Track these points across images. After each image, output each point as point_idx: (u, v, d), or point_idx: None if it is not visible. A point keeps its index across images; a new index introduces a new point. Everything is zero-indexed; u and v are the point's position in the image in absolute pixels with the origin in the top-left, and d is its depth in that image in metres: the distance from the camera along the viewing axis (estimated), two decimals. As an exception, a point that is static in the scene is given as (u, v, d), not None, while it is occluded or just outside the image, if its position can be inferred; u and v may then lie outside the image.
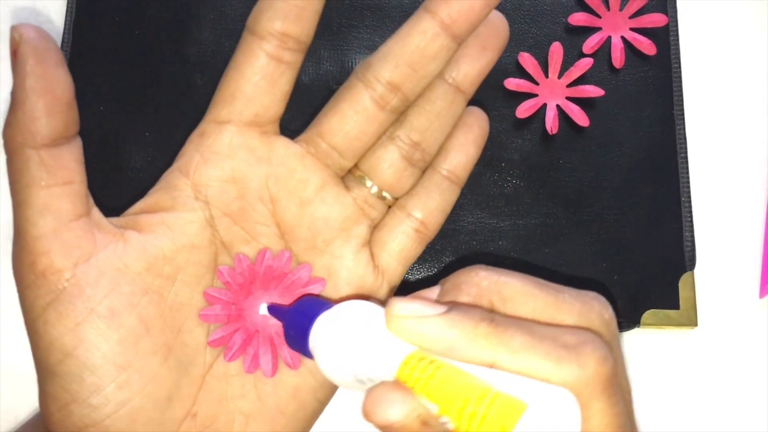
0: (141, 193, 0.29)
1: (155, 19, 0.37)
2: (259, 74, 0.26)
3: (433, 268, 0.35)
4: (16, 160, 0.23)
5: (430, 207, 0.29)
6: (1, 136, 0.24)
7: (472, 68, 0.28)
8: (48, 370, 0.24)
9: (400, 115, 0.28)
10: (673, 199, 0.36)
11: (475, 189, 0.36)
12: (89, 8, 0.37)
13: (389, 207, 0.29)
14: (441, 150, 0.30)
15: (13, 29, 0.23)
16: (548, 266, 0.35)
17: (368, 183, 0.28)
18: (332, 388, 0.28)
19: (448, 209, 0.30)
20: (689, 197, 0.36)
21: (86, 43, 0.37)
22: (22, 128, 0.23)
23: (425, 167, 0.29)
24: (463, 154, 0.29)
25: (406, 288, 0.34)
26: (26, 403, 0.34)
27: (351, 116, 0.27)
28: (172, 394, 0.25)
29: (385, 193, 0.29)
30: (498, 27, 0.28)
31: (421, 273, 0.35)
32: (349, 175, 0.29)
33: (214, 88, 0.29)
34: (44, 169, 0.23)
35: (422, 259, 0.35)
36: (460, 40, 0.26)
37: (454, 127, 0.30)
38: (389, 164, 0.28)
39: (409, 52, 0.26)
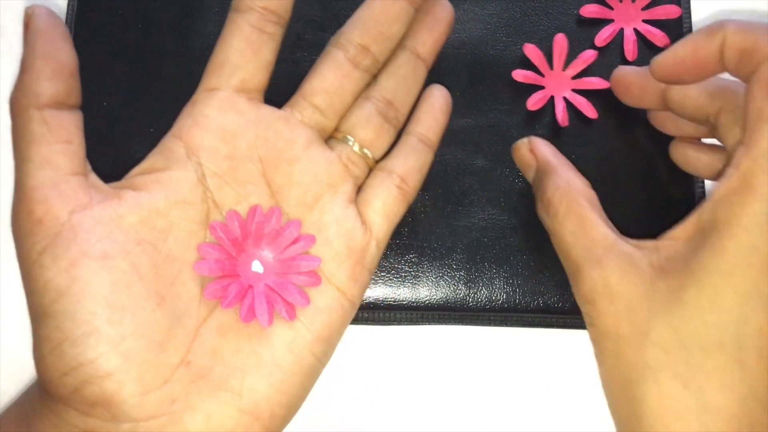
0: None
1: (159, 12, 0.37)
2: (244, 42, 0.29)
3: (444, 265, 0.34)
4: (20, 121, 0.26)
5: (408, 166, 0.31)
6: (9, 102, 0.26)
7: (429, 37, 0.32)
8: (42, 312, 0.25)
9: (372, 78, 0.32)
10: (687, 192, 0.35)
11: (487, 185, 0.35)
12: (91, 2, 0.37)
13: (370, 170, 0.32)
14: (412, 118, 0.33)
15: (27, 8, 0.26)
16: (562, 262, 0.34)
17: (350, 141, 0.31)
18: (328, 344, 0.29)
19: (425, 170, 0.32)
20: (704, 190, 0.35)
21: (89, 38, 0.36)
22: (27, 90, 0.25)
23: (399, 127, 0.32)
24: (432, 119, 0.33)
25: (415, 285, 0.34)
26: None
27: (329, 75, 0.30)
28: (166, 340, 0.26)
29: (366, 150, 0.31)
30: (444, 4, 0.33)
31: (432, 269, 0.34)
32: (332, 138, 0.31)
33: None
34: (46, 127, 0.25)
35: (432, 256, 0.34)
36: (414, 4, 0.31)
37: (421, 100, 0.33)
38: (367, 120, 0.31)
39: (374, 16, 0.30)
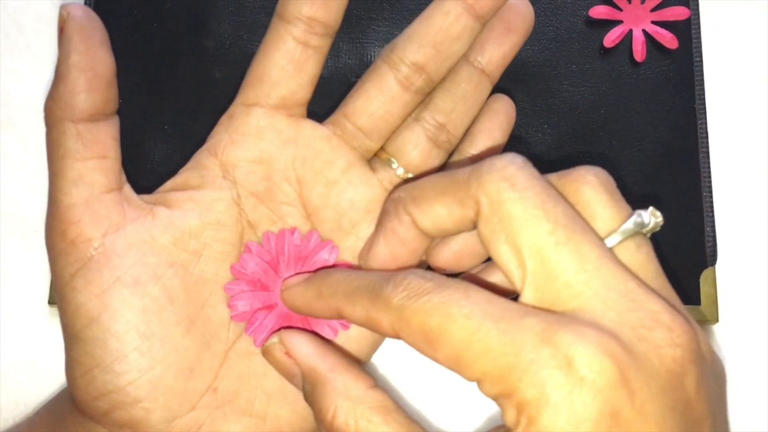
0: (161, 186, 0.29)
1: (174, 12, 0.37)
2: (286, 58, 0.27)
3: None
4: (54, 133, 0.25)
5: None
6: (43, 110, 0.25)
7: (497, 51, 0.28)
8: (74, 335, 0.25)
9: (425, 97, 0.29)
10: (694, 194, 0.36)
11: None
12: (107, 1, 0.37)
13: None
14: (467, 135, 0.30)
15: (62, 8, 0.24)
16: None
17: (394, 164, 0.29)
18: None
19: None
20: (710, 192, 0.36)
21: (104, 36, 0.37)
22: (62, 102, 0.24)
23: (451, 150, 0.30)
24: (489, 139, 0.29)
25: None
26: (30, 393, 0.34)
27: (376, 96, 0.28)
28: (194, 366, 0.26)
29: (410, 175, 0.29)
30: (522, 10, 0.28)
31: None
32: (376, 158, 0.29)
33: (233, 82, 0.30)
34: (80, 142, 0.24)
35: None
36: (483, 21, 0.27)
37: (481, 113, 0.30)
38: (415, 145, 0.29)
39: (432, 33, 0.27)
